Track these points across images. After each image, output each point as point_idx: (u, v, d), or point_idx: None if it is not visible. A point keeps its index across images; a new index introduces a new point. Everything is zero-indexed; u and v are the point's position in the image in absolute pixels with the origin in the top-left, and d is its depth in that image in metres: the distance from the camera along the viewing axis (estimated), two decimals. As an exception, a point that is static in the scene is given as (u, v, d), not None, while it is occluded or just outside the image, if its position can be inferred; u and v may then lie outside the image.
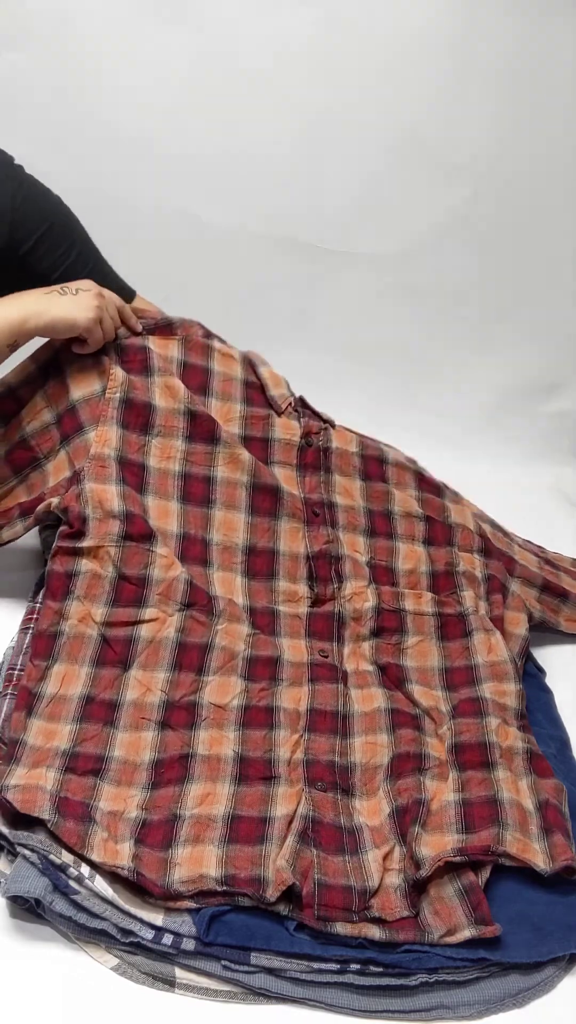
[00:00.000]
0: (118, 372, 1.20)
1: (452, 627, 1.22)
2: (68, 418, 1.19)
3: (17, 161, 1.25)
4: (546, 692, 1.22)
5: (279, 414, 1.27)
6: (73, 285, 1.17)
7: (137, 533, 1.13)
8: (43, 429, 1.20)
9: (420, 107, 1.55)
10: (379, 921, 0.91)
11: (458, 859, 0.95)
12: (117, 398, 1.19)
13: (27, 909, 0.91)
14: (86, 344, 1.19)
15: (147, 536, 1.14)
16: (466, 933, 0.90)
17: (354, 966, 0.89)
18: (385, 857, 0.96)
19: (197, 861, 0.92)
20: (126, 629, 1.10)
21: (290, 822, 0.97)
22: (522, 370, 1.76)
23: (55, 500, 1.15)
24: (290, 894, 0.91)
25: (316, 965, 0.89)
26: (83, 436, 1.17)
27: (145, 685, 1.06)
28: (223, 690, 1.08)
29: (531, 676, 1.23)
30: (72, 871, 0.90)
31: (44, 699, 1.03)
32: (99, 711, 1.03)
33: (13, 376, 1.21)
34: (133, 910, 0.89)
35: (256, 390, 1.29)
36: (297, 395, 1.32)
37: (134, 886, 0.91)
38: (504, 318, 1.71)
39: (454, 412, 1.70)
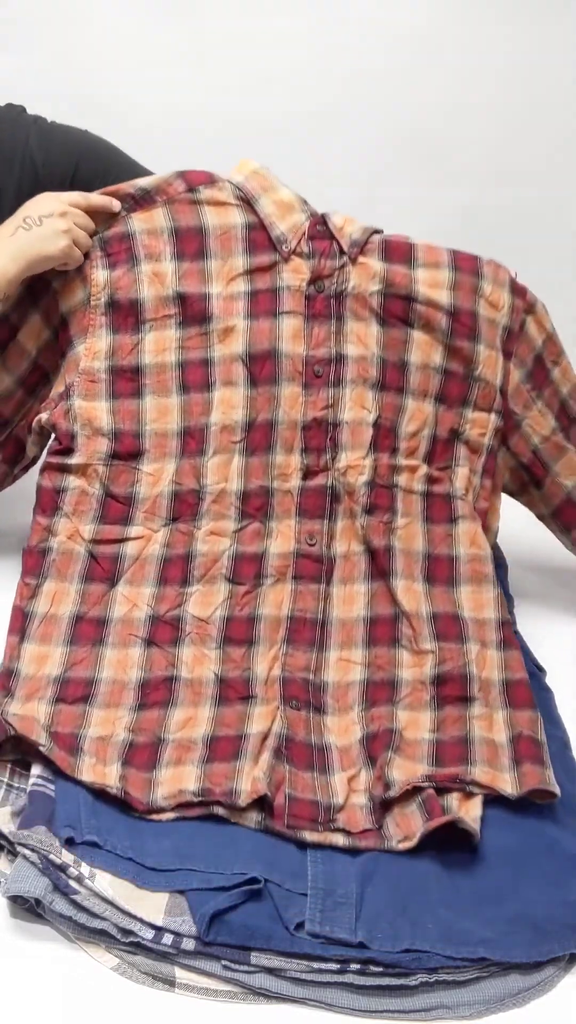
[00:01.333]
0: (99, 275, 1.17)
1: (438, 509, 1.20)
2: (62, 332, 1.20)
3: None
4: (546, 692, 1.22)
5: (286, 259, 1.18)
6: (34, 211, 1.13)
7: (125, 451, 1.16)
8: (46, 346, 1.21)
9: (422, 108, 1.55)
10: (343, 832, 0.97)
11: (426, 784, 1.00)
12: (102, 303, 1.17)
13: (27, 909, 0.91)
14: (66, 265, 1.17)
15: (135, 454, 1.16)
16: (419, 833, 0.96)
17: (354, 966, 0.89)
18: (351, 779, 1.02)
19: (178, 780, 0.99)
20: (113, 546, 1.13)
21: (264, 739, 1.03)
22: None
23: (44, 416, 1.17)
24: (261, 805, 0.97)
25: (316, 965, 0.89)
26: (74, 350, 1.18)
27: (132, 601, 1.10)
28: (206, 600, 1.12)
29: (531, 675, 1.22)
30: (72, 871, 0.90)
31: (36, 619, 1.08)
32: (88, 630, 1.09)
33: (5, 307, 1.19)
34: (133, 910, 0.89)
35: (259, 231, 1.19)
36: (320, 214, 1.20)
37: (133, 886, 0.91)
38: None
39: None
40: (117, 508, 1.14)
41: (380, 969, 0.89)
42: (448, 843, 0.99)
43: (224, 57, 1.54)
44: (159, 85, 1.57)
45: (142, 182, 1.19)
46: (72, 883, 0.90)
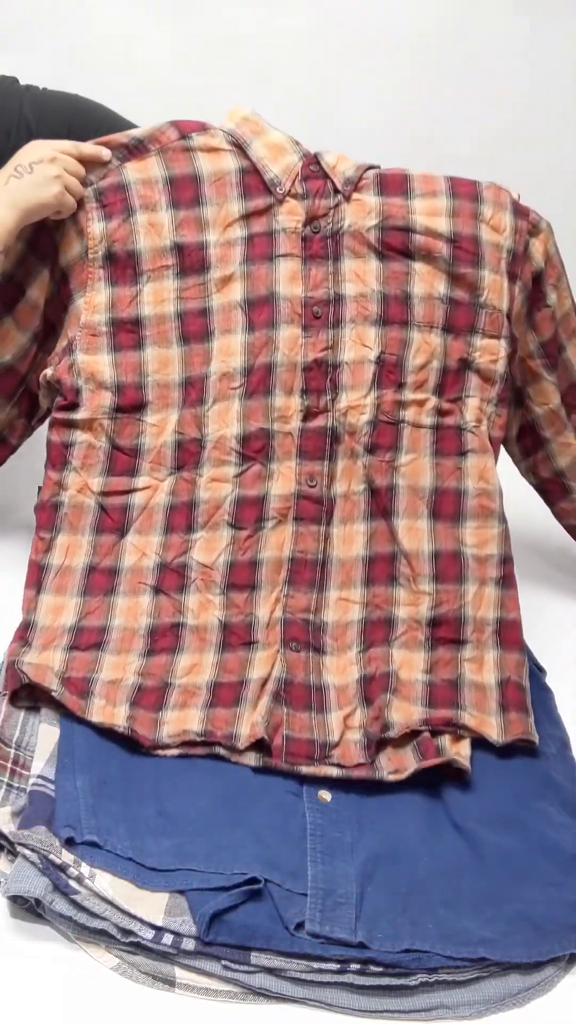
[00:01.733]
0: (95, 228, 1.17)
1: (448, 442, 1.19)
2: (63, 286, 1.20)
3: None
4: (546, 692, 1.22)
5: (280, 202, 1.17)
6: (24, 159, 1.13)
7: (128, 404, 1.17)
8: (52, 299, 1.21)
9: (421, 108, 1.55)
10: (337, 765, 1.04)
11: (423, 728, 1.07)
12: (100, 256, 1.18)
13: (27, 909, 0.91)
14: (59, 212, 1.17)
15: (138, 406, 1.18)
16: (411, 768, 1.03)
17: (354, 966, 0.89)
18: (347, 717, 1.08)
19: (183, 721, 1.06)
20: (121, 498, 1.17)
21: (264, 684, 1.09)
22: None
23: (49, 371, 1.18)
24: (260, 746, 1.04)
25: (316, 965, 0.89)
26: (74, 304, 1.19)
27: (141, 550, 1.15)
28: (210, 547, 1.15)
29: (531, 676, 1.22)
30: (72, 871, 0.90)
31: (52, 571, 1.14)
32: (101, 580, 1.14)
33: (7, 263, 1.18)
34: (133, 910, 0.89)
35: (253, 175, 1.18)
36: (312, 153, 1.19)
37: (133, 886, 0.91)
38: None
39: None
40: (123, 460, 1.17)
41: (380, 969, 0.89)
42: (448, 843, 0.99)
43: (224, 56, 1.54)
44: (159, 85, 1.57)
45: (135, 132, 1.20)
46: (72, 883, 0.90)
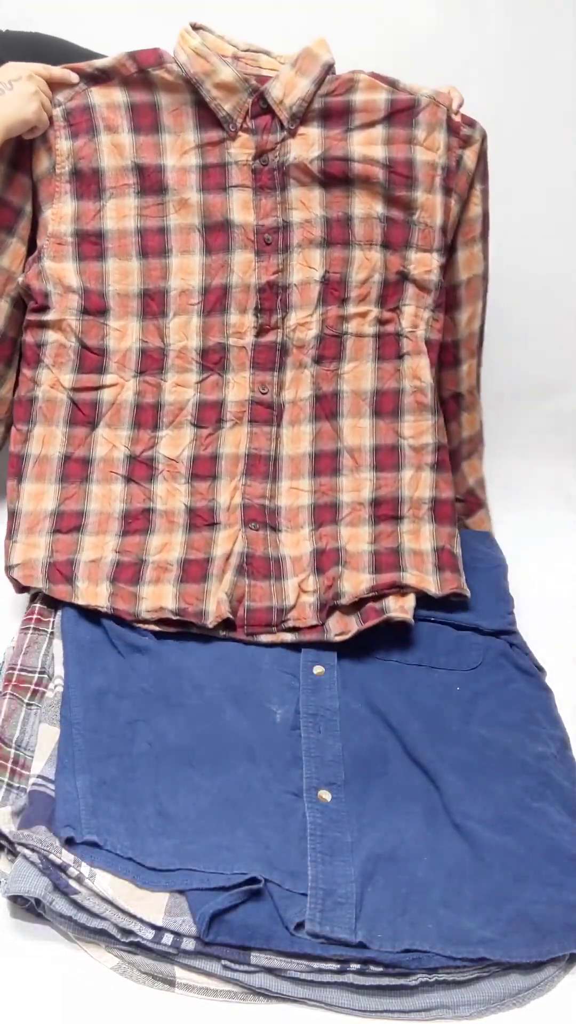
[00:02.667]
0: (62, 145, 1.24)
1: (388, 347, 1.31)
2: (34, 197, 1.26)
3: None
4: (546, 692, 1.22)
5: (232, 137, 1.25)
6: (3, 77, 1.18)
7: (93, 308, 1.26)
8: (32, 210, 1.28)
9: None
10: (293, 630, 1.20)
11: (371, 594, 1.22)
12: (67, 171, 1.24)
13: (27, 909, 0.91)
14: (36, 128, 1.22)
15: (102, 311, 1.26)
16: (354, 630, 1.19)
17: (354, 966, 0.89)
18: (301, 583, 1.22)
19: (158, 597, 1.19)
20: (91, 393, 1.26)
21: (228, 559, 1.22)
22: (522, 370, 1.76)
23: (20, 278, 1.25)
24: (227, 622, 1.19)
25: (316, 965, 0.89)
26: (43, 215, 1.25)
27: (111, 442, 1.26)
28: (175, 443, 1.27)
29: (531, 675, 1.23)
30: (72, 871, 0.90)
31: (31, 460, 1.24)
32: (76, 469, 1.25)
33: None
34: (133, 910, 0.90)
35: (206, 108, 1.25)
36: (260, 89, 1.24)
37: (133, 886, 0.91)
38: (504, 317, 1.71)
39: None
40: (92, 359, 1.26)
41: (380, 969, 0.89)
42: (448, 843, 0.99)
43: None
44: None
45: (98, 63, 1.26)
46: (72, 883, 0.90)
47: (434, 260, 1.29)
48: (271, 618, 1.21)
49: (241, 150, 1.26)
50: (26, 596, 1.24)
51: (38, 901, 0.89)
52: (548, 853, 0.99)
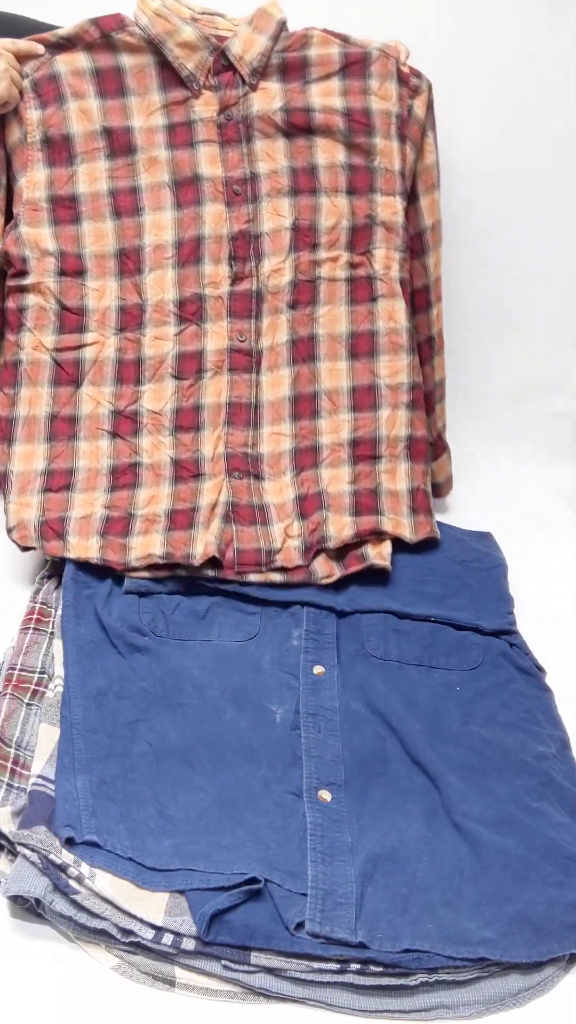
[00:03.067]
0: (32, 115, 1.27)
1: (361, 291, 1.35)
2: (8, 167, 1.29)
3: None
4: (546, 692, 1.22)
5: (196, 96, 1.29)
6: None
7: (71, 269, 1.29)
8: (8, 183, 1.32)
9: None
10: (281, 570, 1.25)
11: (353, 541, 1.28)
12: (38, 140, 1.27)
13: (27, 909, 0.91)
14: (7, 103, 1.24)
15: (80, 272, 1.30)
16: (336, 574, 1.25)
17: (354, 966, 0.89)
18: (286, 528, 1.28)
19: (147, 546, 1.23)
20: (73, 353, 1.30)
21: (213, 508, 1.27)
22: (522, 370, 1.76)
23: None
24: (215, 564, 1.23)
25: (316, 965, 0.89)
26: (17, 183, 1.28)
27: (95, 399, 1.29)
28: (158, 396, 1.31)
29: (531, 675, 1.23)
30: (72, 871, 0.90)
31: (19, 423, 1.28)
32: (63, 427, 1.28)
33: None
34: (133, 910, 0.90)
35: (169, 68, 1.28)
36: (220, 47, 1.27)
37: (133, 886, 0.91)
38: (504, 317, 1.71)
39: (452, 412, 1.70)
40: (72, 319, 1.29)
41: (380, 969, 0.89)
42: (448, 843, 0.99)
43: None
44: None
45: (61, 31, 1.28)
46: (72, 883, 0.90)
47: (398, 203, 1.34)
48: (260, 558, 1.26)
49: (205, 107, 1.30)
50: (27, 595, 1.24)
51: (38, 901, 0.89)
52: (548, 853, 0.99)
